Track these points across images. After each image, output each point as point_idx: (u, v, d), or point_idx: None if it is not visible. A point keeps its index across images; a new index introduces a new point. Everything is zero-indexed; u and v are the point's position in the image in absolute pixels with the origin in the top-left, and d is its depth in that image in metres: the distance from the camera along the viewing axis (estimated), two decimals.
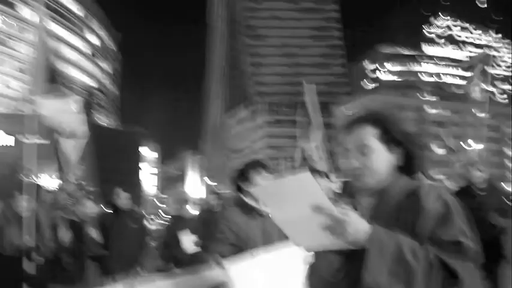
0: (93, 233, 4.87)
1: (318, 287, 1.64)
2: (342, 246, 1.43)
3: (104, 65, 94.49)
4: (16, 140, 46.82)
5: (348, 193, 1.70)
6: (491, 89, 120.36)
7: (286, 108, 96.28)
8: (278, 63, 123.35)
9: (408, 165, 1.66)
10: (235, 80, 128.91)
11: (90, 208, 4.93)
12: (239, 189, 3.12)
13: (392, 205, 1.58)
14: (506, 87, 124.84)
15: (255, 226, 3.01)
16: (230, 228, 2.94)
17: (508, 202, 5.56)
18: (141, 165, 63.33)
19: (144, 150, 77.42)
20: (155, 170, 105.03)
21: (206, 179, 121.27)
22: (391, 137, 1.64)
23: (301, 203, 1.39)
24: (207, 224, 6.99)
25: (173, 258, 6.08)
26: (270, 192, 1.48)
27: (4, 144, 46.20)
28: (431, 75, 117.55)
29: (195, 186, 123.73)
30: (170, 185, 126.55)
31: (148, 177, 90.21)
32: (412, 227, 1.48)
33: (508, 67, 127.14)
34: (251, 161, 3.27)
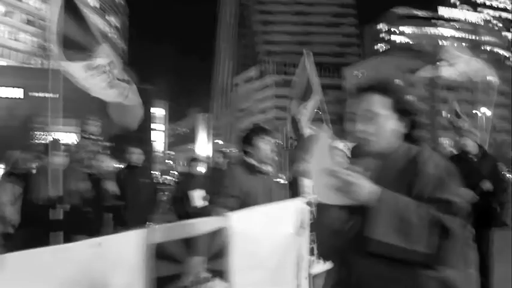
0: (109, 186, 5.19)
1: (325, 236, 1.81)
2: (352, 203, 1.61)
3: (112, 18, 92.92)
4: (25, 93, 47.02)
5: (356, 156, 1.81)
6: (505, 53, 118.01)
7: (295, 68, 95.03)
8: (288, 21, 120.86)
9: (412, 133, 1.80)
10: (245, 39, 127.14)
11: (106, 163, 5.21)
12: (244, 150, 3.41)
13: (395, 169, 1.72)
14: None
15: (256, 183, 3.29)
16: (235, 184, 3.21)
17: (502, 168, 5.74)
18: (152, 124, 63.68)
19: (153, 108, 77.56)
20: (164, 128, 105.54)
21: (214, 137, 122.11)
22: (398, 106, 1.77)
23: (324, 163, 1.62)
24: (215, 181, 7.32)
25: (183, 213, 6.41)
26: (319, 150, 1.69)
27: (13, 97, 46.48)
28: (446, 38, 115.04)
29: (203, 144, 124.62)
30: (179, 143, 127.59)
31: (157, 134, 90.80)
32: (411, 189, 1.64)
33: None
34: (255, 126, 3.54)
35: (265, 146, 3.34)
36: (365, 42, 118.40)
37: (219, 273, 2.13)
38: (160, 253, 1.89)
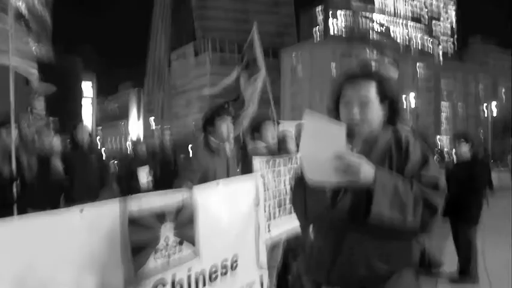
0: (57, 163, 5.13)
1: (316, 208, 1.90)
2: (344, 184, 1.73)
3: None
4: None
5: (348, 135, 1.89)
6: (432, 40, 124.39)
7: (231, 46, 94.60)
8: None
9: (391, 116, 1.96)
10: (180, 14, 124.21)
11: (52, 139, 5.13)
12: (205, 129, 3.61)
13: (381, 151, 1.88)
14: (447, 38, 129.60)
15: (218, 161, 3.51)
16: (199, 162, 3.41)
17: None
18: (82, 99, 60.74)
19: (80, 81, 73.78)
20: (91, 102, 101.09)
21: (146, 114, 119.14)
22: (383, 91, 1.92)
23: (327, 147, 1.68)
24: (159, 159, 7.41)
25: (127, 189, 6.47)
26: (312, 126, 1.77)
27: None
28: (380, 26, 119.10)
29: (135, 121, 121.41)
30: (108, 119, 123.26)
31: (85, 108, 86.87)
32: (398, 165, 1.83)
33: (450, 21, 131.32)
34: (216, 107, 3.74)
35: (224, 125, 3.56)
36: (301, 25, 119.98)
37: (188, 238, 2.31)
38: (134, 221, 2.04)
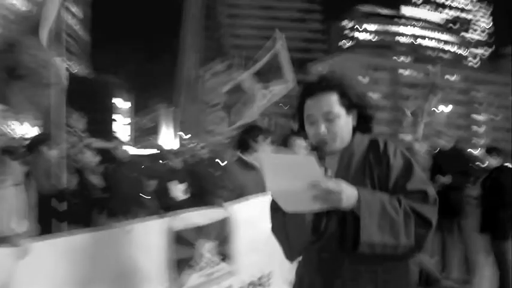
0: (95, 179, 5.32)
1: (299, 239, 1.76)
2: (325, 209, 1.59)
3: (75, 8, 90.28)
4: None
5: (318, 156, 1.72)
6: (464, 52, 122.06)
7: None
8: (255, 15, 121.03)
9: (361, 124, 1.82)
10: (212, 32, 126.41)
11: (90, 157, 5.32)
12: (241, 147, 3.68)
13: (358, 161, 1.74)
14: (479, 51, 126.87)
15: (250, 178, 3.56)
16: (231, 179, 3.48)
17: (471, 165, 6.22)
18: (114, 115, 62.45)
19: (116, 100, 76.02)
20: (128, 121, 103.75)
21: (179, 130, 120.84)
22: (348, 100, 1.76)
23: (300, 180, 1.54)
24: (195, 174, 7.53)
25: (164, 205, 6.60)
26: (274, 164, 1.61)
27: None
28: (407, 36, 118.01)
29: (168, 138, 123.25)
30: (143, 137, 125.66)
31: (121, 128, 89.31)
32: (380, 179, 1.67)
33: (483, 31, 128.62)
34: (250, 126, 3.83)
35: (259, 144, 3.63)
36: (330, 39, 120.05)
37: (228, 256, 2.35)
38: (178, 238, 2.10)
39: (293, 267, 3.24)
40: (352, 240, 1.57)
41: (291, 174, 1.54)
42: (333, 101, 1.75)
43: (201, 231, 2.26)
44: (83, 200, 4.83)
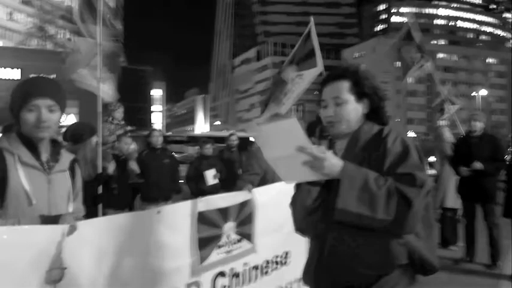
0: (133, 165, 5.63)
1: (300, 212, 1.93)
2: (319, 178, 1.71)
3: None
4: (22, 74, 46.78)
5: (324, 137, 1.97)
6: (505, 34, 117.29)
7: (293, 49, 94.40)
8: (287, 1, 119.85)
9: (373, 113, 1.94)
10: (243, 19, 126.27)
11: (129, 144, 5.62)
12: None
13: (360, 146, 1.85)
14: None
15: None
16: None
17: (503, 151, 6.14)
18: (150, 104, 63.56)
19: (150, 89, 77.12)
20: (161, 109, 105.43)
21: (212, 119, 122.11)
22: (360, 89, 1.90)
23: (288, 144, 1.64)
24: (226, 160, 7.79)
25: (196, 190, 6.88)
26: (264, 135, 1.73)
27: (11, 78, 46.20)
28: (443, 18, 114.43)
29: (201, 126, 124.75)
30: (176, 125, 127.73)
31: (155, 116, 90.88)
32: (376, 163, 1.75)
33: None
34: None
35: None
36: (364, 24, 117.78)
37: (246, 236, 2.55)
38: (202, 219, 2.31)
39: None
40: (333, 208, 1.67)
41: (280, 141, 1.66)
42: (343, 88, 1.90)
43: (223, 212, 2.45)
44: (121, 186, 5.13)
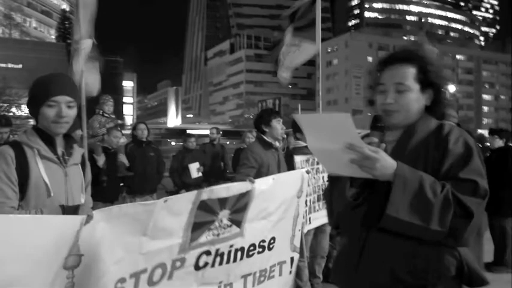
0: (122, 158, 5.71)
1: (339, 206, 1.76)
2: (367, 176, 1.56)
3: None
4: None
5: (378, 127, 1.69)
6: (473, 31, 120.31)
7: (266, 42, 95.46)
8: None
9: (434, 106, 1.73)
10: (215, 11, 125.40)
11: (119, 137, 5.67)
12: (259, 129, 4.04)
13: (417, 141, 1.66)
14: (487, 29, 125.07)
15: (271, 157, 3.94)
16: (254, 157, 3.86)
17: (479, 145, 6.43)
18: (122, 95, 62.74)
19: (121, 80, 76.00)
20: (131, 100, 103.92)
21: (183, 111, 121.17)
22: (426, 77, 1.68)
23: (337, 139, 1.53)
24: (209, 154, 7.93)
25: (180, 183, 7.00)
26: (312, 124, 1.65)
27: None
28: (414, 14, 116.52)
29: (173, 118, 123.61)
30: (147, 116, 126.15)
31: (127, 107, 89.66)
32: (434, 163, 1.58)
33: (489, 8, 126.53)
34: (269, 109, 4.19)
35: (278, 125, 4.01)
36: (337, 18, 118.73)
37: (236, 222, 2.73)
38: (202, 206, 2.49)
39: (301, 237, 3.62)
40: (379, 213, 1.51)
41: (329, 133, 1.55)
42: (408, 73, 1.68)
43: (222, 201, 2.63)
44: (110, 178, 5.21)
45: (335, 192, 1.77)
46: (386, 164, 1.50)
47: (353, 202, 1.67)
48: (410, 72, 1.68)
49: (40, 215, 1.97)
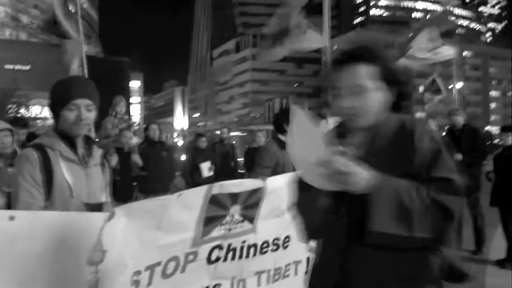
0: (136, 158, 5.77)
1: (313, 219, 1.68)
2: (340, 189, 1.47)
3: None
4: None
5: (342, 132, 1.63)
6: (480, 27, 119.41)
7: None
8: None
9: (399, 102, 1.63)
10: (221, 11, 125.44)
11: (128, 138, 5.75)
12: (280, 128, 4.08)
13: (385, 142, 1.57)
14: (493, 25, 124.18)
15: (287, 156, 3.97)
16: (269, 157, 3.90)
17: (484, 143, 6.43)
18: (129, 96, 63.00)
19: (128, 80, 76.30)
20: (139, 100, 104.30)
21: (190, 111, 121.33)
22: (385, 74, 1.57)
23: (312, 151, 1.47)
24: (219, 153, 7.99)
25: (191, 182, 7.07)
26: (299, 128, 1.54)
27: None
28: (420, 11, 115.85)
29: (180, 117, 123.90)
30: (154, 116, 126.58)
31: (134, 107, 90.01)
32: (403, 163, 1.51)
33: (496, 4, 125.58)
34: (284, 109, 4.23)
35: None
36: (343, 16, 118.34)
37: (248, 218, 2.77)
38: (213, 200, 2.54)
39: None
40: (359, 228, 1.45)
41: (306, 143, 1.49)
42: (360, 72, 1.55)
43: (234, 196, 2.67)
44: (123, 178, 5.27)
45: (306, 200, 1.68)
46: (360, 177, 1.42)
47: (333, 216, 1.59)
48: (364, 71, 1.56)
49: (67, 212, 2.04)
